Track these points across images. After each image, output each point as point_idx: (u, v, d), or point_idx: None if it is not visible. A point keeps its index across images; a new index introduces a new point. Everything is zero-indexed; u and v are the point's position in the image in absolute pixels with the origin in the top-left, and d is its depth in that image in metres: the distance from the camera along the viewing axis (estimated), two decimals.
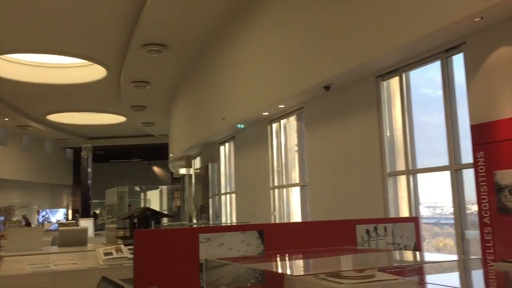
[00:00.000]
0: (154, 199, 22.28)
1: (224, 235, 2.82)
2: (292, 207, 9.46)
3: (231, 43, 10.71)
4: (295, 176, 9.29)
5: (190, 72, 14.38)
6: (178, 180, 22.52)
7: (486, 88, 5.07)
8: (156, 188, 23.40)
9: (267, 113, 9.53)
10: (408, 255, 3.11)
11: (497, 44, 4.94)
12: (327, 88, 7.32)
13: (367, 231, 3.10)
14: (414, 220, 3.29)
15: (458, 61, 5.62)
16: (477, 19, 4.80)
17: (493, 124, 4.76)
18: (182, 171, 19.71)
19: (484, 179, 4.79)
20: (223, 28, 11.08)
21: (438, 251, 6.18)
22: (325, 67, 6.93)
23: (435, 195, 6.40)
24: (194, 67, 13.82)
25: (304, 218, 8.67)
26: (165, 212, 19.53)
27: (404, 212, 6.28)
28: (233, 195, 12.40)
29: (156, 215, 7.24)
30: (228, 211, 13.10)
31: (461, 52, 5.45)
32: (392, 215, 6.25)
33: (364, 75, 6.75)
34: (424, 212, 6.46)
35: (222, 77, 11.42)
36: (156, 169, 30.53)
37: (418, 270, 2.93)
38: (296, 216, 9.23)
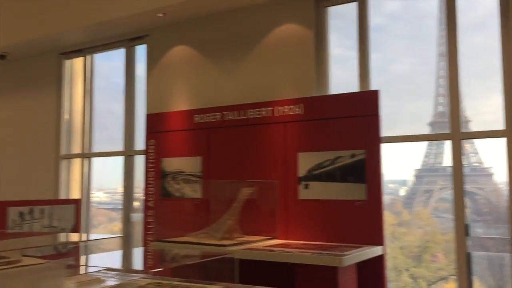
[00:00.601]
0: None
1: None
2: None
3: None
4: None
5: None
6: None
7: (162, 81, 5.43)
8: None
9: None
10: (65, 237, 3.02)
11: (175, 42, 5.36)
12: (2, 57, 6.53)
13: (21, 214, 2.87)
14: (75, 202, 3.23)
15: (141, 52, 5.84)
16: (160, 15, 5.09)
17: (165, 115, 5.15)
18: None
19: (153, 165, 5.12)
20: None
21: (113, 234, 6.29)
22: (0, 34, 6.16)
23: (114, 182, 6.50)
24: None
25: None
26: None
27: (76, 195, 6.15)
28: None
29: None
30: None
31: (145, 43, 5.69)
32: (63, 198, 6.03)
33: (47, 50, 6.30)
34: (104, 198, 6.49)
35: None
36: None
37: (72, 251, 2.89)
38: None
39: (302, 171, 4.23)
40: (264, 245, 3.79)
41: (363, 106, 4.01)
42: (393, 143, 4.23)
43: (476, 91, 4.09)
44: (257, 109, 4.55)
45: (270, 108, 4.48)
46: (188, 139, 4.96)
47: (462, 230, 3.79)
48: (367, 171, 3.92)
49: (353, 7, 4.52)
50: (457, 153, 3.91)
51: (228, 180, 4.48)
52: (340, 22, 4.75)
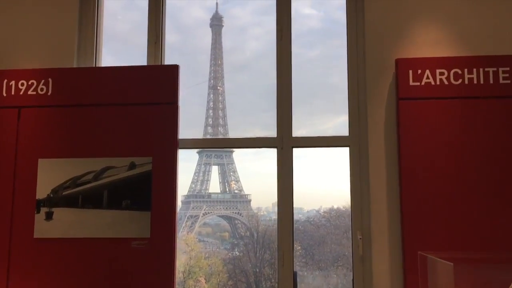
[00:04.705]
0: None
1: None
2: None
3: None
4: None
5: None
6: None
7: None
8: None
9: None
10: None
11: None
12: None
13: None
14: None
15: None
16: None
17: None
18: None
19: None
20: None
21: None
22: None
23: None
24: None
25: None
26: None
27: None
28: None
29: None
30: None
31: None
32: None
33: None
34: None
35: None
36: None
37: None
38: None
39: (43, 189, 2.53)
40: None
41: (152, 89, 2.56)
42: (193, 149, 2.86)
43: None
44: None
45: None
46: None
47: (290, 279, 2.58)
48: (154, 192, 2.45)
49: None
50: (288, 163, 2.72)
51: None
52: None
